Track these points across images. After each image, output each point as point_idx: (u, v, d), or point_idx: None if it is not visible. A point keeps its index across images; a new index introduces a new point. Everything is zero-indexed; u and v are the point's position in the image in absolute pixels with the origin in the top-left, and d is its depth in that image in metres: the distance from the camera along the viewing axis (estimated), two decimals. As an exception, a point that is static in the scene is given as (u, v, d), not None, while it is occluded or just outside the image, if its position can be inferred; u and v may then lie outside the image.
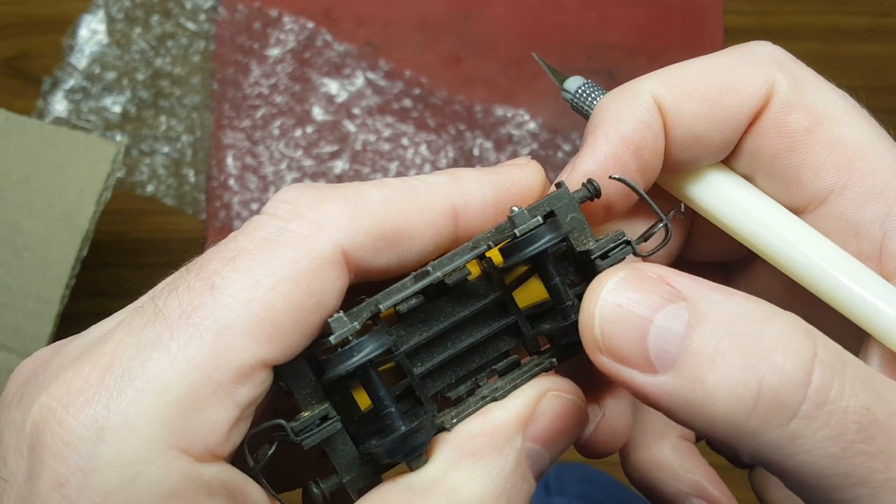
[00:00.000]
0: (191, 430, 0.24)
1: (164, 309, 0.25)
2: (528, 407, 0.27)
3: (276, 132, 1.19)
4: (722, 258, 0.36)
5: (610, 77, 1.19)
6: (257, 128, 1.19)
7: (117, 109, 1.18)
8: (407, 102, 1.19)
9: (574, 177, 0.30)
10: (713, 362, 0.23)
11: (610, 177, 0.30)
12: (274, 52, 1.20)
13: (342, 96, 1.20)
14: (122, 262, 1.10)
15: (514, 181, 0.30)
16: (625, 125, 0.30)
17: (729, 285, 0.37)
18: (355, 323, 0.26)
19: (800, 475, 0.24)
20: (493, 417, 0.27)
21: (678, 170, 0.32)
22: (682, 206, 0.31)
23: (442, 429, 0.28)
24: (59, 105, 1.18)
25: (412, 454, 0.26)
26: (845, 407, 0.23)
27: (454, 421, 0.28)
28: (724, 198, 0.31)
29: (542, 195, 0.31)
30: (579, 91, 0.34)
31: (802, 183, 0.30)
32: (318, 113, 1.19)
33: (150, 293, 0.26)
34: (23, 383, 0.26)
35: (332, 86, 1.20)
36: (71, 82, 1.19)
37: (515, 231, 0.28)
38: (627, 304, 0.25)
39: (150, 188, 1.17)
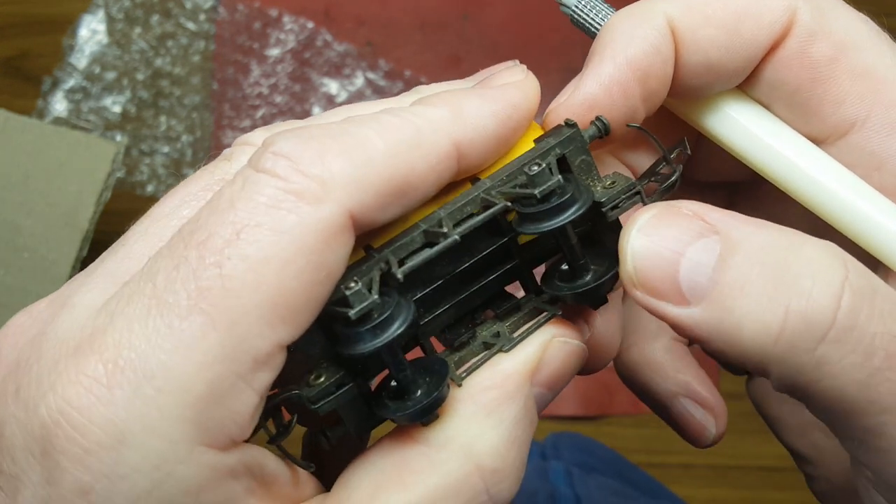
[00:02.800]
0: (215, 425, 0.23)
1: (167, 293, 0.23)
2: (536, 355, 0.28)
3: (276, 132, 1.19)
4: (728, 178, 0.35)
5: (610, 77, 1.19)
6: (257, 128, 1.18)
7: (117, 109, 1.18)
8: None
9: (575, 98, 0.29)
10: (742, 291, 0.24)
11: (628, 125, 0.29)
12: (274, 51, 1.20)
13: (342, 96, 1.20)
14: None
15: (516, 106, 0.28)
16: (634, 48, 0.28)
17: (733, 208, 0.37)
18: (374, 296, 0.25)
19: (826, 401, 0.24)
20: (502, 368, 0.27)
21: (690, 96, 0.31)
22: (687, 145, 0.30)
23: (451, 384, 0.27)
24: (59, 105, 1.18)
25: (430, 417, 0.26)
26: (874, 333, 0.23)
27: (464, 376, 0.27)
28: (739, 127, 0.30)
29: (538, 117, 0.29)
30: (579, 4, 0.31)
31: (824, 114, 0.29)
32: (318, 113, 1.19)
33: (146, 268, 0.24)
34: (12, 369, 0.24)
35: (332, 86, 1.20)
36: (71, 82, 1.19)
37: (536, 193, 0.26)
38: (660, 239, 0.25)
39: (150, 188, 1.17)
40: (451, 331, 0.30)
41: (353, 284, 0.25)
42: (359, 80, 1.20)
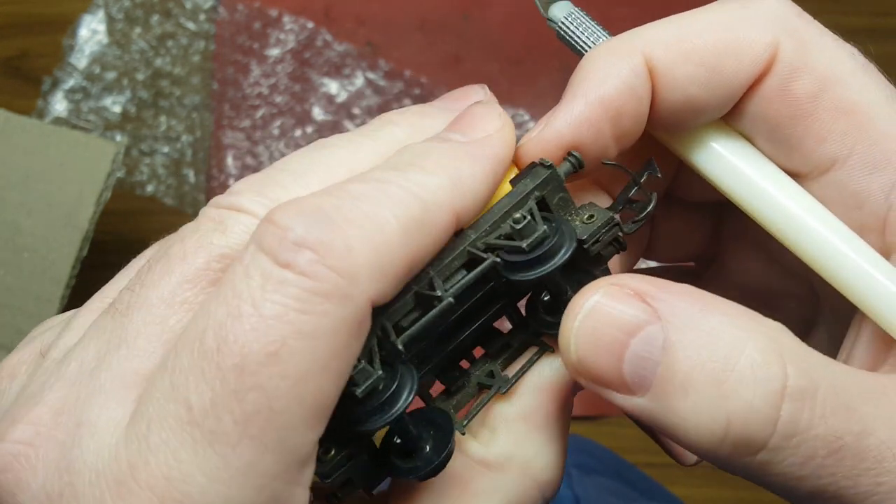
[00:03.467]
0: None
1: (209, 420, 0.22)
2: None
3: (276, 132, 1.19)
4: (716, 198, 0.35)
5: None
6: (257, 128, 1.19)
7: (117, 109, 1.18)
8: (407, 102, 1.19)
9: (545, 135, 0.28)
10: (685, 392, 0.24)
11: (602, 162, 0.29)
12: (274, 51, 1.20)
13: (342, 96, 1.20)
14: (122, 262, 1.10)
15: (502, 161, 0.28)
16: (608, 87, 0.28)
17: (721, 227, 0.36)
18: (378, 371, 0.24)
19: (774, 490, 0.25)
20: (548, 388, 0.28)
21: (671, 129, 0.30)
22: (656, 167, 0.29)
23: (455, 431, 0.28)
24: (59, 105, 1.18)
25: (439, 472, 0.27)
26: (815, 435, 0.24)
27: (465, 423, 0.28)
28: (719, 158, 0.30)
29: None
30: (567, 19, 0.31)
31: (806, 150, 0.28)
32: (318, 113, 1.19)
33: (167, 383, 0.22)
34: (42, 502, 0.23)
35: (332, 86, 1.20)
36: (71, 82, 1.19)
37: (524, 246, 0.26)
38: (603, 328, 0.25)
39: (150, 188, 1.17)
40: (445, 374, 0.30)
41: (356, 362, 0.24)
42: (359, 80, 1.20)
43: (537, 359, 0.29)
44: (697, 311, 0.25)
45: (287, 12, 1.21)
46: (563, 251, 0.26)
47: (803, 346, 0.25)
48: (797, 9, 0.29)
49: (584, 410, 1.13)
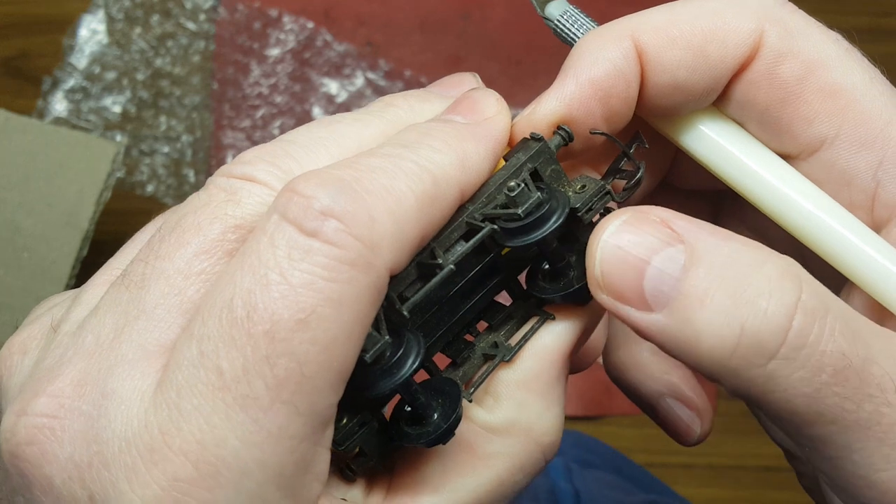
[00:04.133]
0: (306, 491, 0.24)
1: (241, 385, 0.22)
2: (575, 335, 0.30)
3: (276, 132, 1.19)
4: (713, 186, 0.36)
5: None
6: (257, 128, 1.19)
7: (117, 109, 1.18)
8: (407, 102, 1.19)
9: (537, 113, 0.30)
10: (702, 304, 0.25)
11: (591, 132, 0.30)
12: (274, 51, 1.20)
13: (342, 96, 1.20)
14: (122, 262, 1.10)
15: (501, 142, 0.29)
16: (597, 69, 0.29)
17: (718, 214, 0.37)
18: (386, 337, 0.25)
19: (776, 411, 0.25)
20: (548, 354, 0.30)
21: (663, 114, 0.31)
22: (643, 138, 0.31)
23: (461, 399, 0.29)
24: (59, 105, 1.18)
25: (446, 439, 0.28)
26: (822, 351, 0.24)
27: (472, 391, 0.29)
28: (711, 142, 0.31)
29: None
30: (562, 17, 0.32)
31: (794, 132, 0.29)
32: (318, 113, 1.19)
33: (195, 351, 0.23)
34: (74, 474, 0.23)
35: (332, 86, 1.20)
36: (71, 82, 1.19)
37: (519, 212, 0.27)
38: (627, 245, 0.26)
39: (150, 188, 1.17)
40: (451, 347, 0.31)
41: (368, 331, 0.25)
42: (359, 80, 1.20)
43: (538, 327, 0.30)
44: (718, 238, 0.26)
45: (287, 12, 1.21)
46: (557, 214, 0.27)
47: (815, 280, 0.26)
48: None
49: (585, 410, 1.13)
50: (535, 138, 0.29)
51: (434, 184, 0.25)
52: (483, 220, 0.28)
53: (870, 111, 0.29)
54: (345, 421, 0.27)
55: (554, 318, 0.30)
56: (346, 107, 1.19)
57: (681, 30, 0.29)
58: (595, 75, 0.29)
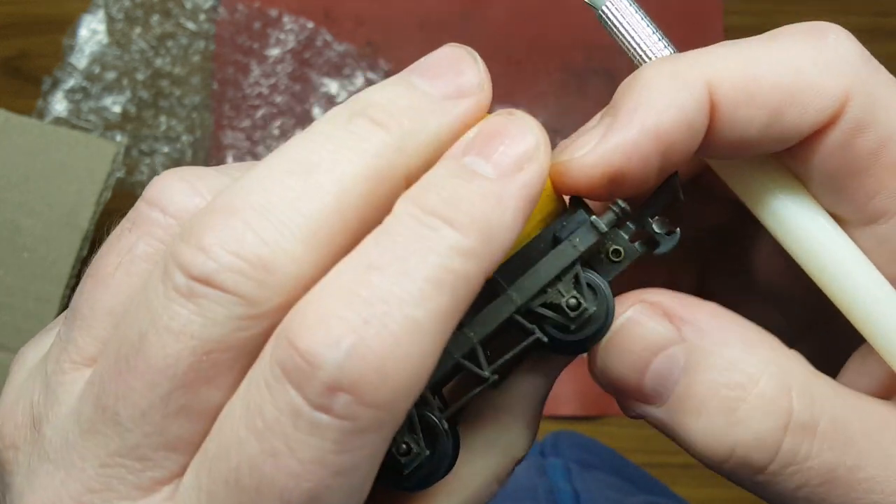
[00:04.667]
0: None
1: None
2: (566, 364, 0.30)
3: (276, 132, 1.18)
4: (699, 231, 0.35)
5: (609, 77, 1.18)
6: (257, 128, 1.18)
7: (117, 109, 1.18)
8: (407, 102, 1.19)
9: (591, 159, 0.26)
10: (698, 413, 0.26)
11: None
12: (274, 51, 1.20)
13: (342, 96, 1.20)
14: (122, 262, 1.10)
15: (538, 196, 0.25)
16: (667, 119, 0.26)
17: (702, 261, 0.36)
18: (426, 452, 0.25)
19: (768, 500, 0.27)
20: (538, 387, 0.30)
21: (716, 158, 0.29)
22: (679, 190, 0.28)
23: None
24: (59, 105, 1.18)
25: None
26: (809, 466, 0.26)
27: (450, 411, 0.29)
28: (763, 194, 0.29)
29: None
30: (610, 5, 0.29)
31: (855, 202, 0.28)
32: (318, 113, 1.19)
33: (199, 492, 0.22)
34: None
35: (332, 86, 1.20)
36: (71, 82, 1.19)
37: (571, 327, 0.27)
38: (631, 345, 0.27)
39: (150, 188, 1.17)
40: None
41: (403, 446, 0.25)
42: (359, 80, 1.20)
43: (529, 345, 0.29)
44: (720, 337, 0.27)
45: (287, 12, 1.21)
46: (605, 329, 0.27)
47: (814, 377, 0.27)
48: (867, 54, 0.27)
49: (584, 410, 1.13)
50: (598, 229, 0.27)
51: (455, 294, 0.22)
52: (529, 317, 0.26)
53: None
54: None
55: (547, 342, 0.29)
56: (346, 107, 1.19)
57: (762, 86, 0.26)
58: (663, 126, 0.26)
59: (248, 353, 0.23)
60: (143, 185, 1.17)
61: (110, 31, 1.20)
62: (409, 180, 0.24)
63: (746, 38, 0.28)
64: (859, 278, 0.28)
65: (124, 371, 0.23)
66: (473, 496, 0.29)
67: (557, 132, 1.18)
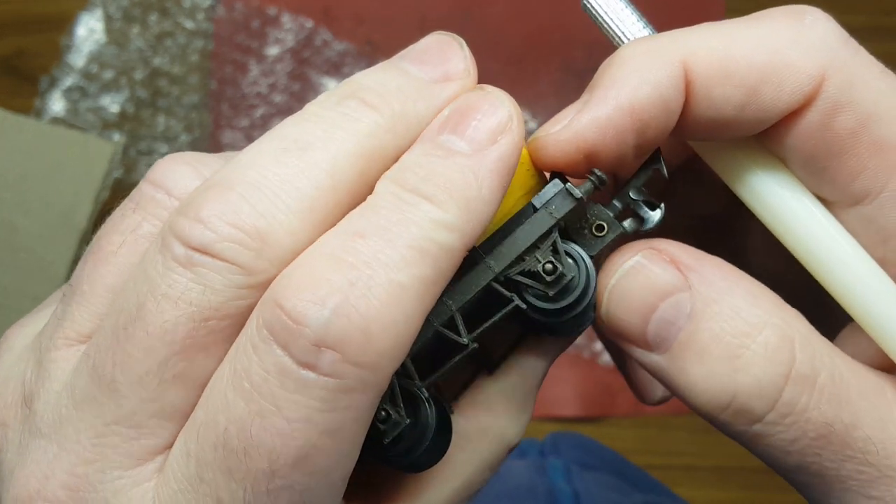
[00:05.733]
0: None
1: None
2: (561, 350, 0.31)
3: (275, 131, 1.18)
4: (696, 220, 0.36)
5: (610, 76, 1.18)
6: (256, 127, 1.18)
7: (115, 109, 1.18)
8: (406, 101, 1.19)
9: (565, 135, 0.27)
10: (700, 360, 0.26)
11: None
12: (273, 50, 1.20)
13: (341, 95, 1.19)
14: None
15: (514, 167, 0.26)
16: (641, 95, 0.26)
17: (722, 236, 0.36)
18: (406, 420, 0.25)
19: (763, 457, 0.27)
20: (533, 366, 0.30)
21: (696, 139, 0.29)
22: (663, 165, 0.29)
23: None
24: (57, 104, 1.17)
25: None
26: (807, 418, 0.26)
27: (453, 403, 0.30)
28: (744, 174, 0.29)
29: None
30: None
31: (838, 183, 0.28)
32: (317, 112, 1.19)
33: (194, 478, 0.23)
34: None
35: (331, 85, 1.19)
36: (68, 81, 1.18)
37: (550, 293, 0.27)
38: (637, 289, 0.27)
39: (148, 188, 1.17)
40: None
41: (383, 413, 0.25)
42: (358, 80, 1.20)
43: (524, 343, 0.30)
44: (725, 287, 0.26)
45: (286, 11, 1.20)
46: (586, 298, 0.27)
47: (815, 334, 0.27)
48: (844, 35, 0.28)
49: (585, 411, 1.13)
50: (573, 195, 0.27)
51: (437, 263, 0.23)
52: (507, 285, 0.27)
53: None
54: None
55: (537, 335, 0.30)
56: (345, 106, 1.19)
57: (738, 63, 0.27)
58: (637, 102, 0.26)
59: (242, 325, 0.23)
60: (141, 185, 1.17)
61: (108, 30, 1.19)
62: (398, 160, 0.25)
63: (726, 20, 0.28)
64: (840, 255, 0.29)
65: (122, 339, 0.23)
66: (466, 483, 0.29)
67: (557, 131, 1.18)
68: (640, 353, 0.27)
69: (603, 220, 0.28)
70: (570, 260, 0.27)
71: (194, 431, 0.23)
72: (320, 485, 0.22)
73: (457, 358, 0.26)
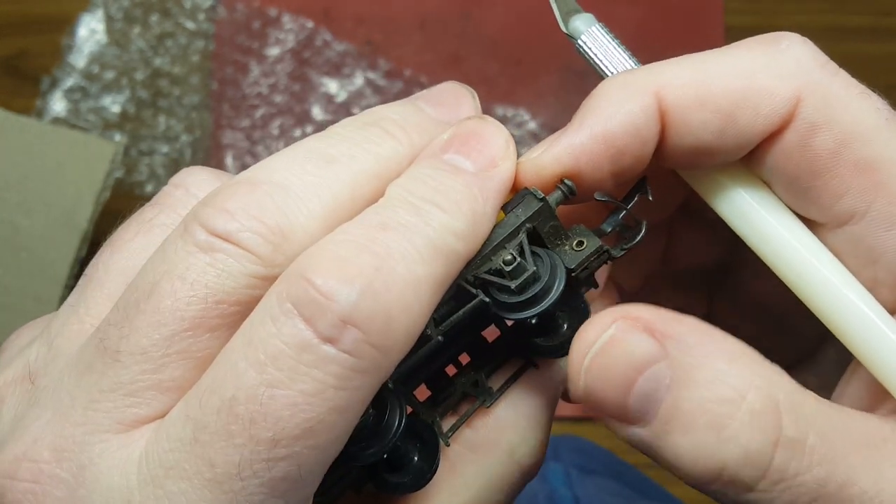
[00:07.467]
0: None
1: (234, 481, 0.22)
2: (560, 383, 0.31)
3: (276, 132, 1.18)
4: (703, 265, 0.36)
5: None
6: (256, 127, 1.18)
7: (116, 109, 1.18)
8: (406, 102, 1.19)
9: (543, 160, 0.29)
10: (686, 431, 0.25)
11: (596, 197, 0.29)
12: (273, 51, 1.20)
13: (342, 96, 1.19)
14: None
15: (508, 190, 0.28)
16: (613, 124, 0.28)
17: (713, 293, 0.37)
18: (370, 410, 0.26)
19: None
20: (546, 381, 0.30)
21: (682, 168, 0.30)
22: (648, 189, 0.30)
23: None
24: (58, 105, 1.18)
25: (427, 483, 0.28)
26: (800, 482, 0.25)
27: (450, 435, 0.29)
28: (731, 200, 0.30)
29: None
30: (588, 35, 0.30)
31: (823, 204, 0.28)
32: (317, 113, 1.19)
33: (189, 436, 0.23)
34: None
35: (331, 85, 1.20)
36: (70, 82, 1.18)
37: (513, 286, 0.27)
38: (614, 364, 0.26)
39: (149, 188, 1.17)
40: (432, 381, 0.31)
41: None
42: (358, 80, 1.20)
43: (520, 374, 0.30)
44: (704, 351, 0.26)
45: (286, 11, 1.21)
46: (552, 293, 0.27)
47: (799, 391, 0.26)
48: (822, 58, 0.28)
49: (585, 411, 1.13)
50: (536, 196, 0.28)
51: (447, 265, 0.25)
52: (476, 285, 0.27)
53: None
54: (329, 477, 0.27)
55: (537, 368, 0.30)
56: (345, 106, 1.19)
57: (710, 91, 0.28)
58: (609, 131, 0.28)
59: (248, 314, 0.24)
60: (141, 185, 1.17)
61: (109, 31, 1.19)
62: None
63: (702, 52, 0.29)
64: (822, 273, 0.28)
65: (132, 314, 0.24)
66: (476, 500, 0.29)
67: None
68: (620, 427, 0.26)
69: (583, 237, 0.29)
70: (536, 258, 0.27)
71: (196, 398, 0.23)
72: (317, 460, 0.23)
73: (425, 350, 0.26)
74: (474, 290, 0.27)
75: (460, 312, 0.27)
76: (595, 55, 0.30)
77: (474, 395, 0.30)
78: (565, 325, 0.29)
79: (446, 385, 0.30)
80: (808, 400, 0.26)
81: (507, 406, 0.30)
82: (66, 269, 0.91)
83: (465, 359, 0.31)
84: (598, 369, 0.26)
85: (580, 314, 0.29)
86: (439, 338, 0.26)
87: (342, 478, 0.28)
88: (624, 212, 0.29)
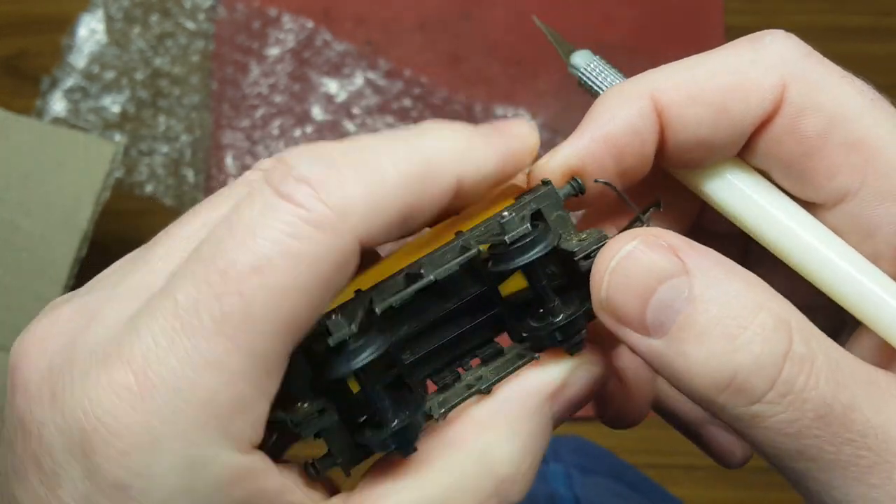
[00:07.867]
0: (237, 431, 0.25)
1: (191, 315, 0.25)
2: (562, 377, 0.30)
3: (276, 132, 1.18)
4: (740, 230, 0.37)
5: (610, 77, 1.18)
6: (256, 127, 1.18)
7: (116, 109, 1.18)
8: (407, 102, 1.19)
9: (551, 162, 0.31)
10: (699, 341, 0.26)
11: (595, 180, 0.31)
12: (273, 51, 1.20)
13: (342, 96, 1.19)
14: (121, 262, 1.09)
15: (516, 157, 0.30)
16: (612, 126, 0.30)
17: (748, 254, 0.38)
18: (353, 326, 0.27)
19: (759, 444, 0.27)
20: (527, 384, 0.30)
21: (687, 166, 0.32)
22: (661, 204, 0.32)
23: (429, 416, 0.29)
24: (58, 105, 1.18)
25: (404, 447, 0.28)
26: (805, 398, 0.26)
27: (441, 410, 0.29)
28: (731, 193, 0.32)
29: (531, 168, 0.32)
30: (587, 68, 0.34)
31: (818, 185, 0.30)
32: (317, 113, 1.19)
33: (168, 285, 0.25)
34: (45, 375, 0.26)
35: (331, 85, 1.20)
36: (70, 82, 1.18)
37: (506, 238, 0.28)
38: (635, 273, 0.27)
39: (149, 188, 1.17)
40: (439, 374, 0.31)
41: (333, 316, 0.27)
42: (358, 80, 1.20)
43: (523, 364, 0.30)
44: (721, 273, 0.27)
45: (286, 12, 1.21)
46: (542, 244, 0.29)
47: (809, 323, 0.27)
48: (805, 49, 0.30)
49: (585, 411, 1.13)
50: (543, 182, 0.31)
51: (424, 164, 0.27)
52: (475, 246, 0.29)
53: (894, 162, 0.29)
54: (305, 405, 0.28)
55: (538, 359, 0.30)
56: (345, 106, 1.19)
57: (701, 87, 0.30)
58: (610, 132, 0.30)
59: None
60: (141, 185, 1.17)
61: (109, 31, 1.20)
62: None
63: (693, 56, 0.31)
64: (821, 247, 0.30)
65: (193, 261, 0.26)
66: (441, 495, 0.28)
67: (558, 132, 1.18)
68: (636, 339, 0.27)
69: (587, 232, 0.30)
70: (535, 225, 0.29)
71: (189, 258, 0.26)
72: (267, 305, 0.24)
73: (414, 286, 0.28)
74: (472, 246, 0.29)
75: (454, 262, 0.29)
76: (595, 84, 0.34)
77: (475, 386, 0.30)
78: (561, 315, 0.30)
79: (453, 380, 0.31)
80: (818, 332, 0.27)
81: (484, 408, 0.29)
82: (66, 269, 0.91)
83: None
84: (619, 276, 0.27)
85: (581, 301, 0.30)
86: (431, 277, 0.28)
87: (322, 412, 0.28)
88: (637, 222, 0.31)
